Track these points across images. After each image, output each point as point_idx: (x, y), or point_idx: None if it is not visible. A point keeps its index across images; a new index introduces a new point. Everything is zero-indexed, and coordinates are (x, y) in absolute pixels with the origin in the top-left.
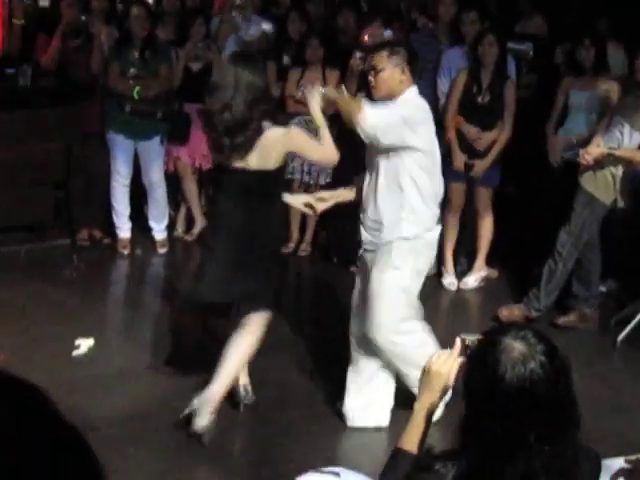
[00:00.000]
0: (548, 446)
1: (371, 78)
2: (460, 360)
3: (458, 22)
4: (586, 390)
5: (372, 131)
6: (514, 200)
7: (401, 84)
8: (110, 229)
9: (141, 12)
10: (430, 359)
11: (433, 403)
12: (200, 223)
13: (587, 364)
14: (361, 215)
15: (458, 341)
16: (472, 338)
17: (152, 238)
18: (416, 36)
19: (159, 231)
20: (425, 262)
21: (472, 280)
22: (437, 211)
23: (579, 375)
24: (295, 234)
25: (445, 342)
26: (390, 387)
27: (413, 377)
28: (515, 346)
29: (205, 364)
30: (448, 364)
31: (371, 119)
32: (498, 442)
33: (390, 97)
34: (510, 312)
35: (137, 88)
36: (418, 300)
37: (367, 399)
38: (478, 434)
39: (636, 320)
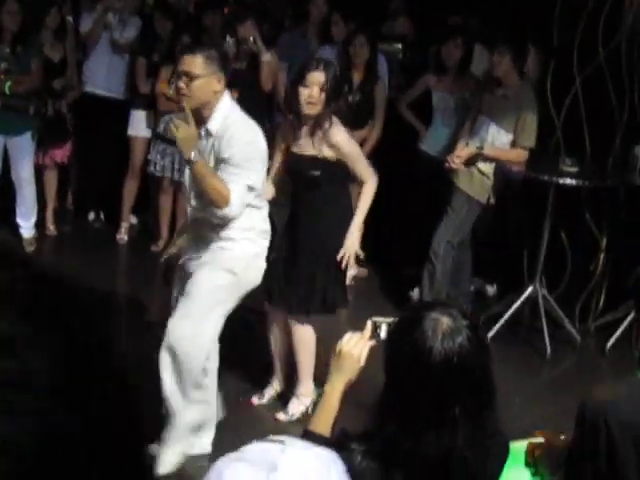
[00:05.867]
0: (472, 421)
1: (182, 84)
2: (370, 342)
3: (328, 22)
4: None
5: (234, 214)
6: (383, 198)
7: (216, 94)
8: None
9: (13, 7)
10: (341, 341)
11: (344, 385)
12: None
13: None
14: None
15: (369, 324)
16: (383, 321)
17: (19, 236)
18: (286, 36)
19: (27, 229)
20: None
21: None
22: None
23: None
24: (165, 233)
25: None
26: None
27: None
28: (443, 320)
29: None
30: (359, 346)
31: (236, 208)
32: (422, 416)
33: (204, 106)
34: None
35: (9, 83)
36: None
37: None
38: (400, 410)
39: (505, 317)
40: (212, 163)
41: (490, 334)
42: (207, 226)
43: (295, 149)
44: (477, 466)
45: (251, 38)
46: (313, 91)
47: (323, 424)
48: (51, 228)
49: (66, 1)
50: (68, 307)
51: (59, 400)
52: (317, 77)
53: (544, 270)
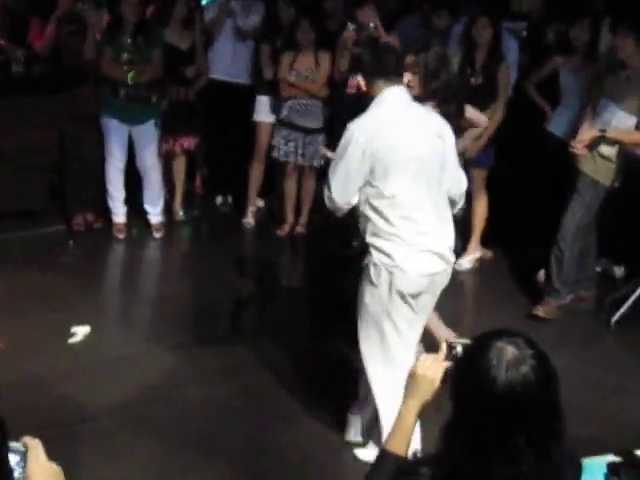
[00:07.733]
0: (537, 449)
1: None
2: (446, 364)
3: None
4: (582, 372)
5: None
6: (508, 180)
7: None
8: (105, 214)
9: None
10: (416, 363)
11: (419, 406)
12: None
13: (583, 346)
14: None
15: (444, 345)
16: (459, 342)
17: (148, 222)
18: (404, 20)
19: (155, 215)
20: None
21: (466, 262)
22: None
23: (575, 358)
24: (290, 217)
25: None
26: None
27: None
28: (508, 349)
29: (203, 349)
30: (433, 368)
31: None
32: (487, 444)
33: None
34: (548, 308)
35: (131, 73)
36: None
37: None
38: (465, 436)
39: (631, 300)
40: None
41: (614, 318)
42: None
43: None
44: None
45: (371, 25)
46: (407, 76)
47: (399, 444)
48: (180, 213)
49: None
50: (199, 289)
51: None
52: (407, 59)
53: None
